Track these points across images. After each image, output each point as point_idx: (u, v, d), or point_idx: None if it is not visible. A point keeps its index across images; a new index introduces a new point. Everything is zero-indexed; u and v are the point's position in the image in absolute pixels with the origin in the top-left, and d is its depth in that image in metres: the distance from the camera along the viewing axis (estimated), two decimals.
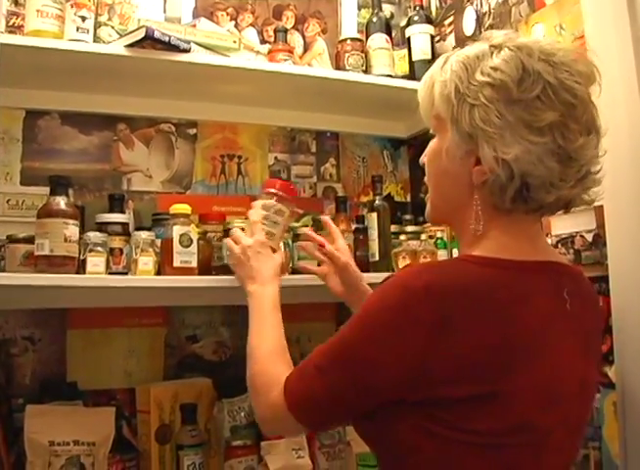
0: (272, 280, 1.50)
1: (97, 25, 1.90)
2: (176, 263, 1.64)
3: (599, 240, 1.66)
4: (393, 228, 2.04)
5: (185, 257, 1.65)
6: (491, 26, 2.05)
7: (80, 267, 1.59)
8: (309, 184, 2.34)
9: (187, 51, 1.78)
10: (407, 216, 2.16)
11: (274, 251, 1.56)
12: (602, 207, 1.64)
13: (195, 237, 1.67)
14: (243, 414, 1.91)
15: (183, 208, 1.69)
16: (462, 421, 0.99)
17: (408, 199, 2.47)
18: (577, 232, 1.72)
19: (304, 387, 1.11)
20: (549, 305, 1.08)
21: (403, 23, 2.37)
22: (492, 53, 1.07)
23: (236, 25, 2.22)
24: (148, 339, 2.03)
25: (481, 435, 0.99)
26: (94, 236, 1.62)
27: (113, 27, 1.94)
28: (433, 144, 1.18)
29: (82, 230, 1.70)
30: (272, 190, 1.62)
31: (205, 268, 1.78)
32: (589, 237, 1.69)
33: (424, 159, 1.22)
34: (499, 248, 1.08)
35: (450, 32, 2.26)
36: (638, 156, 1.58)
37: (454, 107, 1.07)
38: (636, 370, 1.55)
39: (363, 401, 1.06)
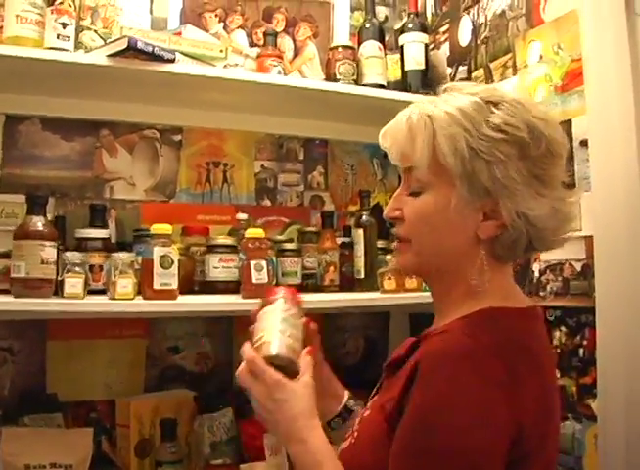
0: (311, 426, 1.10)
1: (79, 30, 1.84)
2: (156, 286, 1.60)
3: (588, 270, 1.64)
4: (380, 243, 2.00)
5: (165, 279, 1.61)
6: (487, 39, 2.00)
7: (58, 288, 1.56)
8: (296, 193, 2.30)
9: (172, 61, 1.72)
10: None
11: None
12: (591, 237, 1.62)
13: (176, 258, 1.63)
14: (223, 430, 1.90)
15: (164, 228, 1.64)
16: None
17: None
18: (567, 260, 1.69)
19: None
20: (551, 349, 1.17)
21: (398, 26, 2.31)
22: (489, 106, 1.04)
23: (225, 27, 2.14)
24: (129, 350, 2.01)
25: None
26: (72, 256, 1.58)
27: (96, 32, 1.88)
28: (426, 198, 1.08)
29: (62, 242, 1.68)
30: (280, 294, 1.27)
31: (187, 284, 1.76)
32: (578, 266, 1.66)
33: (395, 213, 1.12)
34: (506, 298, 1.08)
35: (445, 41, 2.21)
36: (629, 185, 1.56)
37: (467, 162, 1.02)
38: (618, 404, 1.54)
39: None
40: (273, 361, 1.13)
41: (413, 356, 1.03)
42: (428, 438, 0.94)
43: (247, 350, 1.14)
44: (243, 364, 1.13)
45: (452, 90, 1.11)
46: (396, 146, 1.12)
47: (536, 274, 1.78)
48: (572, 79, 1.69)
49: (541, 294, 1.76)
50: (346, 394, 1.35)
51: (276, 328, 1.18)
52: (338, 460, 1.06)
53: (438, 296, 1.14)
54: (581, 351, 1.65)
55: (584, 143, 1.65)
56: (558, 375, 1.67)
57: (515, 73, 1.89)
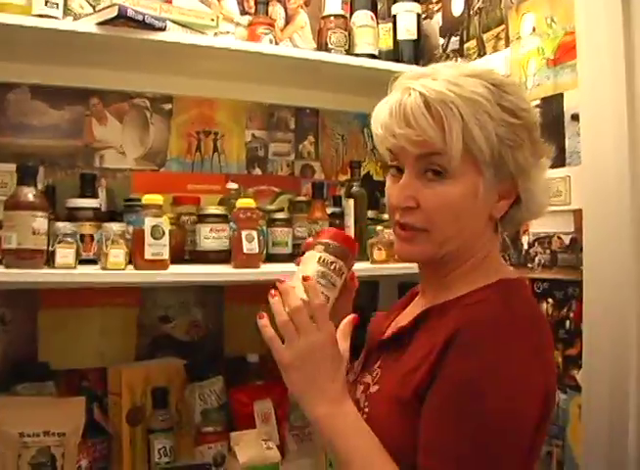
0: (345, 395, 1.05)
1: None
2: (147, 256, 1.60)
3: (576, 244, 1.66)
4: (370, 214, 2.02)
5: (156, 249, 1.61)
6: (480, 10, 1.99)
7: (50, 258, 1.56)
8: (287, 162, 2.30)
9: (162, 29, 1.71)
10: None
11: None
12: (580, 210, 1.64)
13: (167, 228, 1.63)
14: (213, 398, 1.92)
15: (155, 198, 1.64)
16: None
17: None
18: (555, 233, 1.71)
19: None
20: None
21: None
22: (498, 91, 1.04)
23: None
24: (120, 319, 2.02)
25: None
26: (63, 226, 1.58)
27: None
28: (452, 187, 1.04)
29: (53, 211, 1.67)
30: (334, 242, 1.13)
31: (177, 254, 1.76)
32: (567, 239, 1.68)
33: (410, 203, 1.06)
34: (504, 268, 1.15)
35: (438, 11, 2.19)
36: (619, 160, 1.56)
37: (495, 149, 1.02)
38: (603, 376, 1.58)
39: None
40: None
41: (434, 326, 1.03)
42: (475, 402, 0.94)
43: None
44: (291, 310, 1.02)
45: (453, 71, 1.06)
46: (417, 133, 1.02)
47: (525, 246, 1.80)
48: (565, 53, 1.69)
49: (529, 266, 1.78)
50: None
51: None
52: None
53: (443, 272, 1.11)
54: (567, 323, 1.68)
55: (575, 117, 1.66)
56: None
57: (507, 45, 1.88)
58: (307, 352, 1.02)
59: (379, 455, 1.00)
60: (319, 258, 1.10)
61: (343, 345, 1.09)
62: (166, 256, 1.63)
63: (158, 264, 1.62)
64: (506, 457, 0.95)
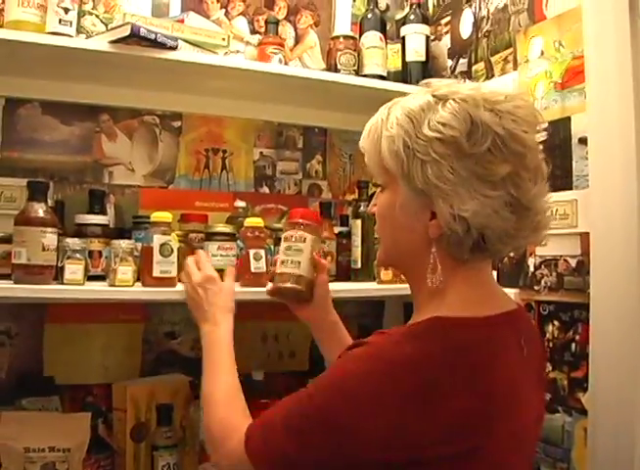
0: (224, 317, 1.48)
1: (81, 14, 1.84)
2: (156, 273, 1.61)
3: (582, 267, 1.66)
4: None
5: (165, 266, 1.61)
6: (489, 32, 2.01)
7: (58, 274, 1.57)
8: (294, 181, 2.31)
9: (174, 48, 1.72)
10: None
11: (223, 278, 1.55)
12: (588, 233, 1.64)
13: (175, 246, 1.64)
14: None
15: (164, 216, 1.65)
16: None
17: None
18: (562, 256, 1.71)
19: (274, 447, 1.06)
20: (514, 358, 1.10)
21: (399, 16, 2.31)
22: (437, 105, 1.05)
23: (226, 14, 2.14)
24: (126, 335, 2.02)
25: None
26: (72, 242, 1.58)
27: (97, 16, 1.87)
28: (383, 197, 1.16)
29: (62, 226, 1.68)
30: (292, 220, 1.55)
31: None
32: (573, 262, 1.68)
33: (372, 209, 1.22)
34: (464, 304, 1.08)
35: (446, 33, 2.21)
36: (628, 184, 1.57)
37: (404, 163, 1.05)
38: (609, 399, 1.57)
39: (340, 465, 1.03)
40: (280, 290, 1.49)
41: None
42: (314, 395, 1.04)
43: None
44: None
45: (425, 85, 1.14)
46: (363, 149, 1.19)
47: (531, 269, 1.80)
48: (573, 77, 1.70)
49: (535, 288, 1.78)
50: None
51: (280, 258, 1.50)
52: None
53: (412, 291, 1.18)
54: (573, 345, 1.68)
55: (583, 140, 1.66)
56: (549, 369, 1.71)
57: (515, 68, 1.89)
58: (192, 288, 1.52)
59: (228, 367, 1.38)
60: (282, 239, 1.52)
61: (232, 279, 1.58)
62: (174, 273, 1.63)
63: (166, 282, 1.62)
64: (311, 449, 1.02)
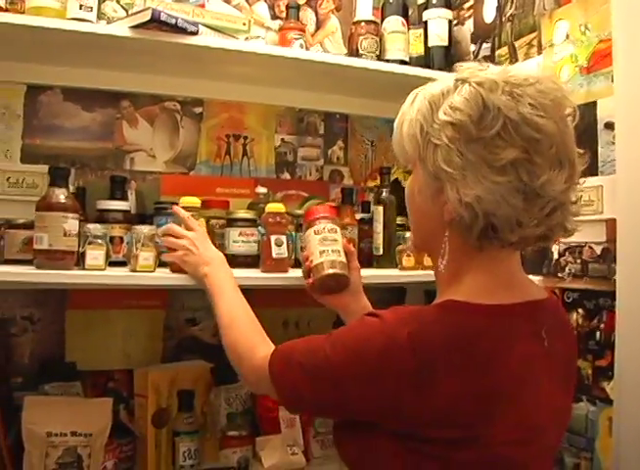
0: (225, 264, 1.55)
1: (101, 0, 1.82)
2: None
3: (608, 254, 1.64)
4: (399, 220, 2.00)
5: None
6: (513, 16, 1.98)
7: (80, 259, 1.57)
8: (316, 167, 2.30)
9: (194, 33, 1.71)
10: None
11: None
12: (614, 220, 1.61)
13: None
14: (239, 402, 1.92)
15: (192, 201, 1.65)
16: (441, 454, 1.00)
17: None
18: (587, 242, 1.69)
19: (290, 379, 1.14)
20: (528, 349, 1.07)
21: (421, 0, 2.28)
22: (456, 89, 1.05)
23: None
24: (147, 321, 2.03)
25: (461, 465, 1.01)
26: (94, 228, 1.58)
27: (118, 2, 1.86)
28: (409, 180, 1.19)
29: (83, 212, 1.68)
30: (317, 215, 1.61)
31: None
32: (598, 249, 1.66)
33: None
34: (478, 291, 1.07)
35: (469, 17, 2.18)
36: None
37: (420, 147, 1.07)
38: (635, 388, 1.55)
39: (343, 416, 1.14)
40: (326, 280, 1.51)
41: None
42: (326, 345, 1.09)
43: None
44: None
45: (454, 70, 1.15)
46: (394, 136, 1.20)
47: (555, 256, 1.78)
48: (599, 60, 1.67)
49: (560, 275, 1.76)
50: None
51: (318, 250, 1.53)
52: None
53: (435, 276, 1.19)
54: (598, 333, 1.66)
55: (609, 125, 1.64)
56: None
57: (540, 53, 1.87)
58: (191, 244, 1.53)
59: (240, 297, 1.48)
60: (313, 232, 1.57)
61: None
62: None
63: None
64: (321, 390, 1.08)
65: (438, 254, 1.12)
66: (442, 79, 1.11)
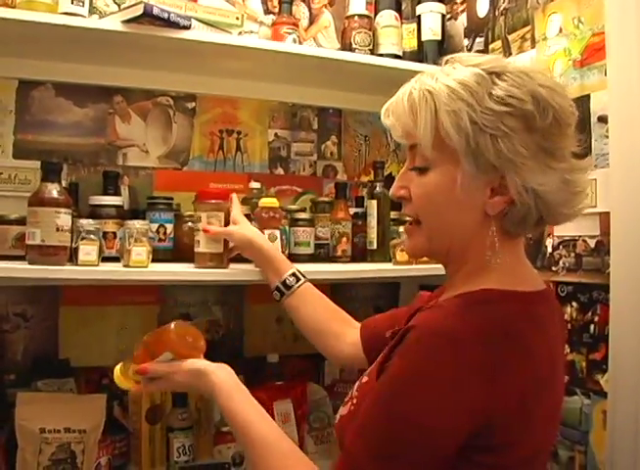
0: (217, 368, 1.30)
1: None
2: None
3: (601, 247, 1.64)
4: (393, 214, 2.00)
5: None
6: (506, 10, 1.97)
7: (73, 255, 1.56)
8: (309, 162, 2.29)
9: (187, 28, 1.70)
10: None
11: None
12: (608, 213, 1.61)
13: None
14: None
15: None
16: (495, 458, 0.98)
17: None
18: (580, 236, 1.69)
19: None
20: (554, 333, 1.09)
21: None
22: (492, 78, 1.02)
23: None
24: (141, 317, 2.02)
25: (510, 466, 1.00)
26: (87, 223, 1.58)
27: None
28: (431, 178, 1.07)
29: (76, 208, 1.67)
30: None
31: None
32: (592, 243, 1.66)
33: (400, 192, 1.13)
34: (512, 279, 1.06)
35: (462, 11, 2.18)
36: None
37: (470, 138, 0.99)
38: (629, 381, 1.55)
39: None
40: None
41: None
42: (395, 402, 0.96)
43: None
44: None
45: (454, 62, 1.08)
46: (399, 123, 1.10)
47: (549, 249, 1.78)
48: (592, 54, 1.67)
49: (553, 269, 1.76)
50: (289, 269, 1.58)
51: None
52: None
53: (450, 272, 1.14)
54: (592, 327, 1.66)
55: (602, 119, 1.64)
56: (567, 351, 1.69)
57: (533, 46, 1.86)
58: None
59: (260, 411, 1.23)
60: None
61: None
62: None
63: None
64: (411, 462, 0.94)
65: (467, 250, 1.08)
66: (458, 70, 1.05)
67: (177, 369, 1.30)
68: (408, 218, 1.16)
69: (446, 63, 1.10)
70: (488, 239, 1.05)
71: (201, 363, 1.31)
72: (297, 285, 1.56)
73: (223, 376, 1.27)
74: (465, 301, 1.02)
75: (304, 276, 1.58)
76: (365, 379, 1.15)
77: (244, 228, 1.61)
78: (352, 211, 2.03)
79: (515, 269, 1.08)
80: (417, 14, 2.14)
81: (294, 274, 1.57)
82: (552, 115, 1.00)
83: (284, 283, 1.57)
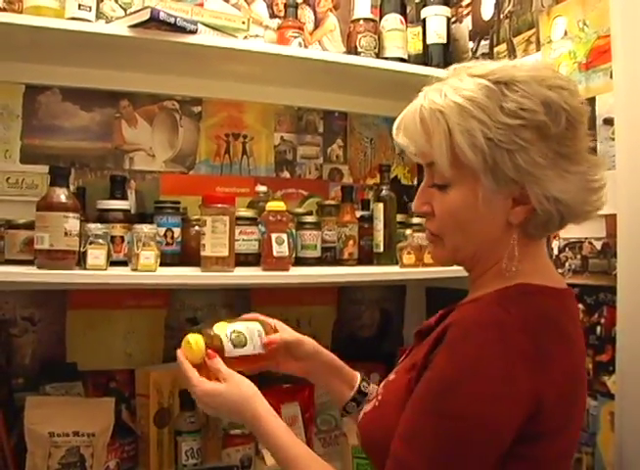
0: (251, 403, 1.19)
1: (99, 0, 1.82)
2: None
3: (608, 249, 1.64)
4: (399, 218, 2.01)
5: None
6: (511, 13, 1.98)
7: (81, 259, 1.57)
8: (315, 165, 2.30)
9: (193, 32, 1.71)
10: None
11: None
12: (614, 215, 1.61)
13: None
14: None
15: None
16: (537, 450, 0.99)
17: (415, 182, 2.43)
18: (586, 238, 1.69)
19: None
20: (581, 332, 1.12)
21: None
22: (502, 89, 1.01)
23: None
24: (148, 320, 2.03)
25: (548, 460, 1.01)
26: (95, 227, 1.59)
27: (116, 1, 1.87)
28: (453, 196, 1.07)
29: (83, 212, 1.68)
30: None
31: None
32: (598, 245, 1.67)
33: (424, 208, 1.12)
34: (541, 276, 1.07)
35: (467, 14, 2.19)
36: None
37: (486, 155, 0.99)
38: (636, 382, 1.55)
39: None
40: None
41: (442, 323, 1.04)
42: (447, 400, 0.95)
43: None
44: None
45: (459, 72, 1.07)
46: (413, 144, 1.09)
47: (555, 251, 1.78)
48: (597, 56, 1.67)
49: (560, 271, 1.76)
50: (358, 377, 1.39)
51: None
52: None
53: (474, 275, 1.14)
54: (598, 328, 1.66)
55: (608, 121, 1.64)
56: None
57: (538, 49, 1.87)
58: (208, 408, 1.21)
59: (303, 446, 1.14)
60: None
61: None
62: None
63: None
64: (470, 459, 0.94)
65: (490, 258, 1.08)
66: (465, 82, 1.04)
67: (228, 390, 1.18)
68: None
69: (453, 73, 1.09)
70: (509, 247, 1.06)
71: (251, 391, 1.21)
72: (371, 388, 1.38)
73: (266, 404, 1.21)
74: (505, 294, 1.03)
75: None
76: (392, 377, 1.16)
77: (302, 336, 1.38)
78: (359, 214, 2.04)
79: (540, 268, 1.10)
80: (422, 17, 2.15)
81: (363, 378, 1.39)
82: (565, 118, 1.00)
83: (360, 391, 1.36)
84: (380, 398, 1.14)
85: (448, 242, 1.11)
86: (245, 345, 1.25)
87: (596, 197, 1.07)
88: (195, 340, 1.24)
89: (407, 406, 1.01)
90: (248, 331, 1.27)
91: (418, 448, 0.96)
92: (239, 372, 1.21)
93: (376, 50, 2.01)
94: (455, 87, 1.04)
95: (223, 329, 1.27)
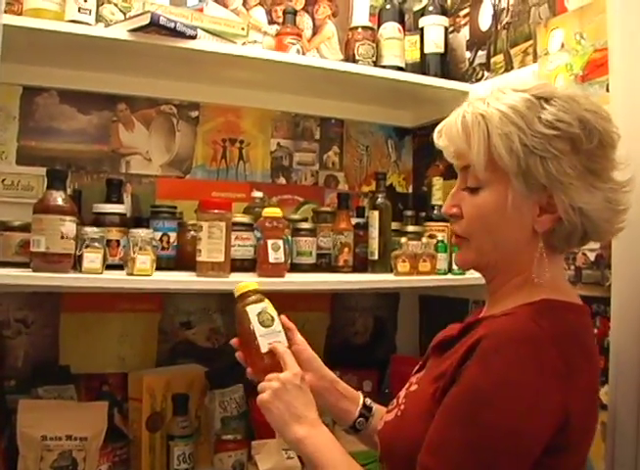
0: (319, 420, 1.20)
1: (99, 3, 1.83)
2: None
3: (601, 260, 1.65)
4: (394, 226, 2.02)
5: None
6: (509, 24, 1.99)
7: (77, 262, 1.57)
8: (311, 172, 2.31)
9: (193, 37, 1.71)
10: (408, 212, 2.14)
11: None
12: None
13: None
14: (234, 405, 1.92)
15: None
16: (561, 460, 1.01)
17: (410, 190, 2.45)
18: (580, 249, 1.70)
19: None
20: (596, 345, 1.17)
21: (417, 7, 2.31)
22: (540, 103, 1.07)
23: (244, 4, 2.14)
24: (141, 324, 2.03)
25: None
26: (91, 231, 1.58)
27: (116, 5, 1.87)
28: (484, 198, 1.11)
29: (79, 216, 1.68)
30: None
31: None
32: (592, 256, 1.68)
33: (453, 210, 1.16)
34: (560, 292, 1.11)
35: (465, 24, 2.20)
36: None
37: (521, 159, 1.05)
38: (629, 393, 1.56)
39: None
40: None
41: (469, 335, 1.07)
42: (480, 412, 0.97)
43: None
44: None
45: (503, 88, 1.13)
46: (452, 145, 1.15)
47: None
48: (594, 69, 1.69)
49: None
50: (360, 394, 1.41)
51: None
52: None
53: (494, 286, 1.17)
54: None
55: None
56: None
57: (535, 61, 1.88)
58: (281, 391, 1.20)
59: (348, 464, 1.13)
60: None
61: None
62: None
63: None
64: None
65: (516, 265, 1.11)
66: (508, 94, 1.09)
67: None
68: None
69: (496, 88, 1.15)
70: (536, 255, 1.09)
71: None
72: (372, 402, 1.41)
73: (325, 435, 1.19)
74: (534, 309, 1.06)
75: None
76: (414, 387, 1.18)
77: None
78: (354, 221, 2.04)
79: (560, 282, 1.14)
80: (420, 26, 2.16)
81: (362, 392, 1.43)
82: (597, 137, 1.06)
83: (365, 406, 1.39)
84: (402, 407, 1.16)
85: (474, 244, 1.15)
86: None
87: (619, 218, 1.11)
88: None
89: (437, 417, 1.02)
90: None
91: (448, 458, 0.98)
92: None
93: (373, 58, 2.03)
94: (498, 97, 1.11)
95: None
